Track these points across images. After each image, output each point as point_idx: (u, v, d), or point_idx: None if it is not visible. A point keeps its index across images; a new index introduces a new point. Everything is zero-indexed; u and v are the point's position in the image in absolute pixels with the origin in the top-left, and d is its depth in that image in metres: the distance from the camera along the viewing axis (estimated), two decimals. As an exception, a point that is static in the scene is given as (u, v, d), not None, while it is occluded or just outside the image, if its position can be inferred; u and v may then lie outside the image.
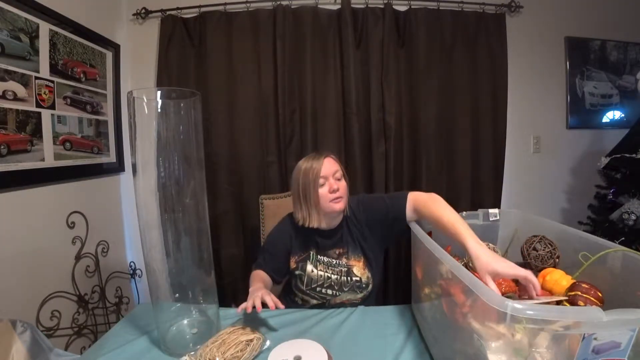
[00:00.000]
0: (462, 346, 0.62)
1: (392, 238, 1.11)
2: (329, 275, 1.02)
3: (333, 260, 1.03)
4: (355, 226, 1.05)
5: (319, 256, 1.04)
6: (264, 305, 0.82)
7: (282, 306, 0.82)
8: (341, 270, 1.02)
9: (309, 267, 1.02)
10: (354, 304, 1.03)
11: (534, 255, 0.81)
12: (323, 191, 0.96)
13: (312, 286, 1.02)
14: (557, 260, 0.80)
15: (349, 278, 1.02)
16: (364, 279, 1.02)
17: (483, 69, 1.73)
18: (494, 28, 1.74)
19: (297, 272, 1.04)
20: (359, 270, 1.02)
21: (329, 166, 0.98)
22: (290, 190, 1.08)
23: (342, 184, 0.99)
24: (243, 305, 0.81)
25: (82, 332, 1.39)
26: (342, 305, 1.03)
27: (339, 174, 1.00)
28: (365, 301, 1.06)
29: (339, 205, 0.97)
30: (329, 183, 0.97)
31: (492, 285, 0.63)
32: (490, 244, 0.88)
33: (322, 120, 1.69)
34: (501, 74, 1.74)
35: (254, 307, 0.81)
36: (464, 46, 1.72)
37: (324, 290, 1.02)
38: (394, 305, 1.01)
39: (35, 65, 1.24)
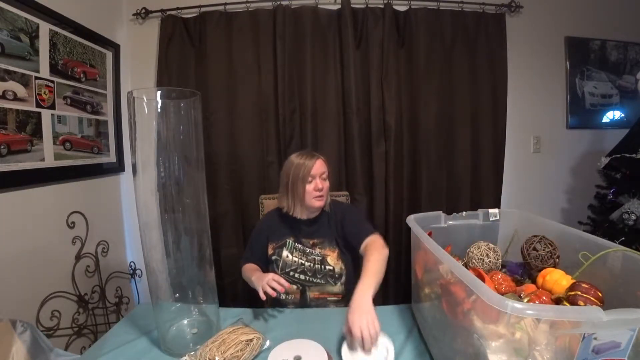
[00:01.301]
0: (462, 346, 0.62)
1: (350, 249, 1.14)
2: (303, 262, 1.09)
3: (307, 249, 1.11)
4: (334, 221, 1.14)
5: (295, 244, 1.12)
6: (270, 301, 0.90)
7: (287, 284, 0.93)
8: (315, 258, 1.09)
9: (285, 253, 1.10)
10: (334, 301, 1.08)
11: (534, 255, 0.81)
12: (309, 187, 1.07)
13: (286, 270, 1.08)
14: (557, 260, 0.80)
15: (322, 266, 1.09)
16: (337, 269, 1.08)
17: (483, 69, 1.73)
18: (494, 28, 1.74)
19: (273, 258, 1.11)
20: (333, 260, 1.09)
21: (319, 167, 1.09)
22: (280, 181, 1.16)
23: (326, 184, 1.11)
24: (267, 290, 0.89)
25: (82, 332, 1.39)
26: (323, 300, 1.07)
27: (325, 175, 1.11)
28: (345, 297, 1.08)
29: (320, 203, 1.09)
30: (315, 182, 1.07)
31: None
32: (490, 244, 0.88)
33: (322, 120, 1.69)
34: (501, 74, 1.74)
35: (270, 295, 0.90)
36: (464, 46, 1.72)
37: (297, 275, 1.08)
38: (394, 305, 1.01)
39: (35, 65, 1.24)
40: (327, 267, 1.08)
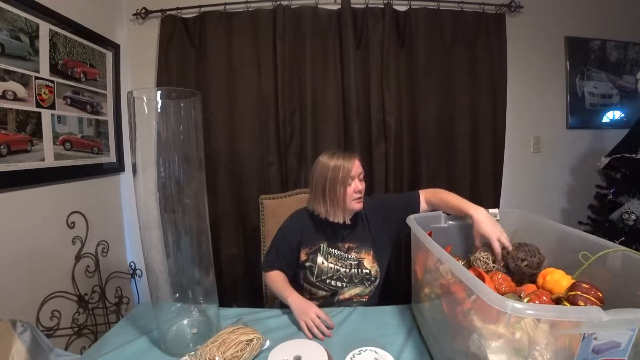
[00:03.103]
0: (462, 346, 0.62)
1: (402, 229, 1.12)
2: (339, 268, 1.04)
3: (342, 253, 1.06)
4: (369, 221, 1.10)
5: (329, 249, 1.06)
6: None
7: (332, 324, 0.90)
8: (351, 263, 1.05)
9: (320, 259, 1.04)
10: (360, 302, 1.05)
11: (519, 271, 0.80)
12: (349, 190, 1.01)
13: (322, 278, 1.03)
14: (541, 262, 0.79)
15: (359, 270, 1.04)
16: (373, 272, 1.04)
17: (483, 69, 1.73)
18: (494, 28, 1.73)
19: (307, 264, 1.04)
20: (369, 263, 1.05)
21: (357, 167, 1.03)
22: (310, 185, 1.08)
23: (364, 186, 1.05)
24: (315, 332, 0.85)
25: (82, 332, 1.39)
26: (349, 301, 1.05)
27: (362, 176, 1.05)
28: (370, 299, 1.07)
29: (360, 205, 1.04)
30: (355, 183, 1.02)
31: (477, 241, 0.90)
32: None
33: (322, 121, 1.69)
34: (501, 74, 1.74)
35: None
36: (464, 46, 1.72)
37: (333, 282, 1.03)
38: (394, 305, 1.01)
39: (35, 65, 1.24)
40: (364, 271, 1.03)
